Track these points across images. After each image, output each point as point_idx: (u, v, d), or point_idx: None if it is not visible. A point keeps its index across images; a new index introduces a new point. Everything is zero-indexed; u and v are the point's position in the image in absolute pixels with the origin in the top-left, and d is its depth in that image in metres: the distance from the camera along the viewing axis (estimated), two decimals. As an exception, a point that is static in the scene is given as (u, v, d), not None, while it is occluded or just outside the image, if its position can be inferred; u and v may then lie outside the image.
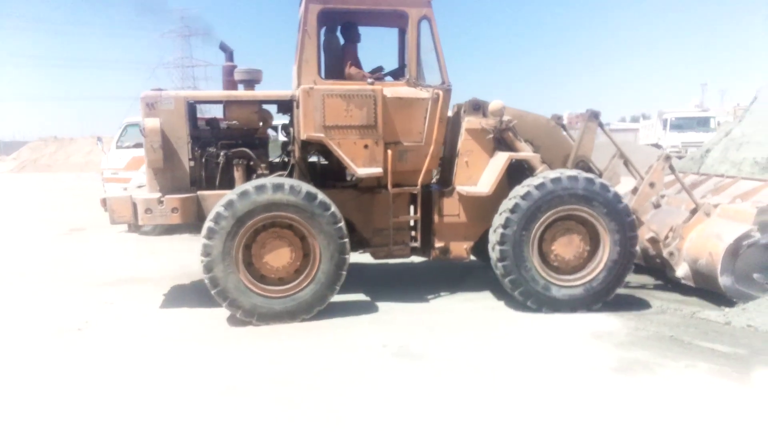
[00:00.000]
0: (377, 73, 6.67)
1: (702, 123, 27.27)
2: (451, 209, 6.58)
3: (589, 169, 6.75)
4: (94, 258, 9.61)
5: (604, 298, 6.16)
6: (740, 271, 6.07)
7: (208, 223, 5.70)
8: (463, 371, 4.61)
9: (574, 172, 6.11)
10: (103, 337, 5.57)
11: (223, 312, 5.93)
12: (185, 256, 9.09)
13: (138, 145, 11.90)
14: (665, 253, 6.66)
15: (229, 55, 6.86)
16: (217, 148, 6.51)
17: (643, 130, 35.28)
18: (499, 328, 5.70)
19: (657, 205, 7.13)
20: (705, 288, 6.42)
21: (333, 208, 5.86)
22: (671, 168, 6.92)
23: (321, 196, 5.84)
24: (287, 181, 5.85)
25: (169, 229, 10.92)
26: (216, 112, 7.26)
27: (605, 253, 6.12)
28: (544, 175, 6.11)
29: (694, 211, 6.71)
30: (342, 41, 6.94)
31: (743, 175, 7.67)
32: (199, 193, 6.28)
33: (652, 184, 6.73)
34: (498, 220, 6.10)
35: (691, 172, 8.40)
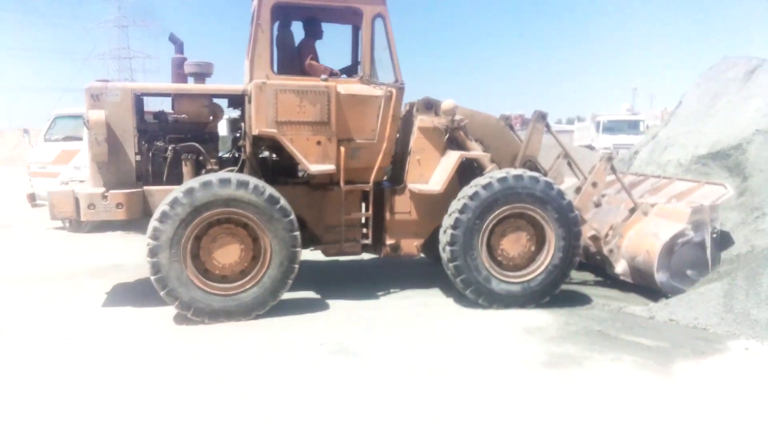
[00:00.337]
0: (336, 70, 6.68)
1: (632, 126, 28.32)
2: (403, 207, 6.63)
3: (536, 169, 6.95)
4: (20, 256, 9.17)
5: (539, 299, 6.33)
6: (675, 267, 6.38)
7: (163, 207, 5.53)
8: (398, 368, 4.65)
9: (529, 173, 6.28)
10: (22, 339, 5.34)
11: (151, 311, 5.80)
12: (115, 254, 8.87)
13: (68, 138, 11.48)
14: (605, 250, 6.93)
15: (179, 46, 6.69)
16: (165, 142, 6.33)
17: (578, 131, 36.40)
18: (435, 325, 5.77)
19: (598, 204, 7.40)
20: (642, 284, 6.72)
21: (292, 215, 5.81)
22: (612, 168, 7.19)
23: (283, 201, 5.78)
24: (252, 180, 5.76)
25: (101, 226, 10.67)
26: (163, 105, 7.07)
27: (548, 256, 6.31)
28: (491, 175, 6.25)
29: (632, 210, 7.00)
30: (295, 36, 6.89)
31: (667, 175, 8.08)
32: (145, 188, 6.10)
33: (594, 184, 6.99)
34: (454, 205, 6.18)
35: (630, 173, 8.76)
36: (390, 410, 3.96)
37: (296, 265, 5.85)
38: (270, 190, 5.76)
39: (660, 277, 6.35)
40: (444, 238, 6.20)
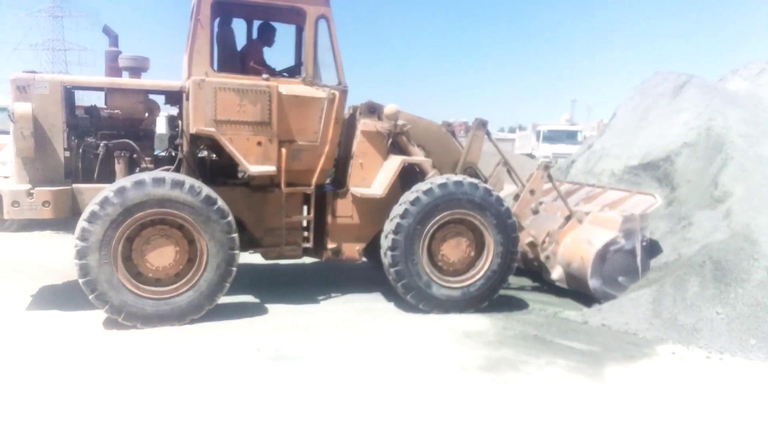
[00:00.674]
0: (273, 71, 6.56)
1: (570, 136, 29.23)
2: (345, 210, 6.57)
3: (476, 175, 7.02)
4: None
5: (478, 304, 6.40)
6: (607, 274, 6.58)
7: (92, 207, 5.29)
8: (337, 373, 4.62)
9: (469, 180, 6.37)
10: None
11: (73, 315, 5.58)
12: (43, 255, 8.50)
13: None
14: (542, 257, 7.08)
15: (114, 39, 6.42)
16: (96, 138, 6.07)
17: (519, 140, 37.27)
18: (374, 329, 5.76)
19: (535, 211, 7.55)
20: (577, 289, 6.90)
21: (230, 217, 5.66)
22: (549, 177, 7.36)
23: (220, 202, 5.63)
24: (188, 180, 5.58)
25: (29, 225, 10.15)
26: (95, 100, 6.76)
27: (487, 261, 6.38)
28: (432, 180, 6.29)
29: (568, 218, 7.18)
30: (236, 34, 6.75)
31: (602, 185, 8.35)
32: (74, 186, 5.83)
33: (532, 191, 7.13)
34: (395, 210, 6.19)
35: (566, 181, 8.99)
36: (328, 416, 3.91)
37: (234, 268, 5.70)
38: (207, 190, 5.60)
39: (593, 283, 6.53)
40: (385, 242, 6.18)
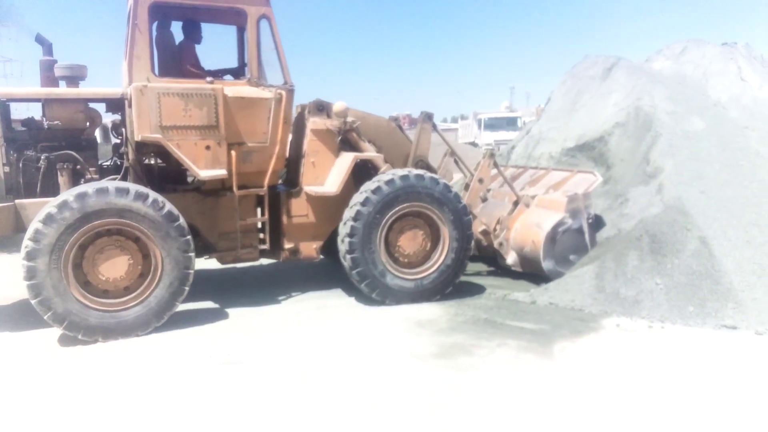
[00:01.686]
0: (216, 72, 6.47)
1: (511, 123, 29.88)
2: (300, 210, 6.57)
3: (427, 168, 7.14)
4: None
5: (431, 297, 6.47)
6: (559, 254, 6.81)
7: (49, 209, 5.12)
8: (290, 373, 4.57)
9: (430, 174, 6.46)
10: None
11: (24, 335, 5.40)
12: None
13: None
14: (495, 244, 7.27)
15: (48, 48, 6.20)
16: (37, 151, 5.86)
17: (462, 129, 37.82)
18: (329, 325, 5.74)
19: (484, 199, 7.73)
20: (531, 272, 7.10)
21: (188, 236, 5.59)
22: (495, 164, 7.55)
23: (182, 220, 5.54)
24: (152, 193, 5.47)
25: None
26: (30, 112, 6.51)
27: (442, 255, 6.50)
28: (394, 172, 6.36)
29: (516, 203, 7.37)
30: (174, 37, 6.60)
31: (544, 166, 8.63)
32: (17, 201, 5.62)
33: (480, 180, 7.31)
34: (356, 198, 6.24)
35: (511, 165, 9.25)
36: (283, 416, 3.89)
37: (186, 288, 5.61)
38: (169, 206, 5.51)
39: (547, 264, 6.75)
40: (344, 229, 6.20)
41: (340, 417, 3.87)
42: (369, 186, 6.24)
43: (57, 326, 5.19)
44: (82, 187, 5.32)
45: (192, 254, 5.61)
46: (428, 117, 7.34)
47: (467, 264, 6.71)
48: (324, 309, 6.29)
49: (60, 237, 5.12)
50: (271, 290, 6.99)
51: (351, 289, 6.58)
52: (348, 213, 6.22)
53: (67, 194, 5.21)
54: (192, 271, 5.63)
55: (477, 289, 6.91)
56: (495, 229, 7.29)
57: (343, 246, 6.22)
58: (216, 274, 7.82)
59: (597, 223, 7.19)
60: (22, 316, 6.08)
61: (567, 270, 6.77)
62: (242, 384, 4.39)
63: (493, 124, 29.89)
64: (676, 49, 10.84)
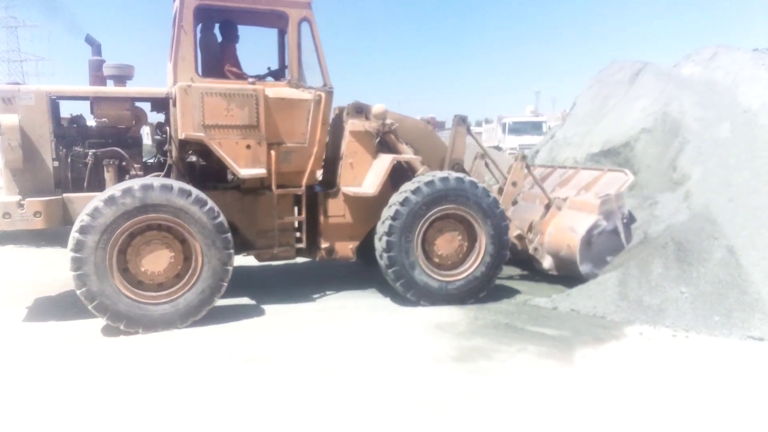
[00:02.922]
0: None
1: (536, 127, 29.56)
2: (337, 210, 6.65)
3: (462, 171, 7.18)
4: None
5: (478, 293, 6.55)
6: (596, 257, 6.77)
7: (113, 191, 5.36)
8: (311, 372, 4.61)
9: (467, 177, 6.55)
10: None
11: (47, 324, 5.53)
12: (9, 270, 8.36)
13: None
14: (530, 249, 7.25)
15: (97, 48, 6.40)
16: (84, 147, 6.04)
17: (486, 133, 37.59)
18: (348, 326, 5.74)
19: (514, 202, 7.72)
20: (569, 275, 7.04)
21: (232, 250, 5.75)
22: (527, 167, 7.55)
23: (229, 234, 5.73)
24: (210, 202, 5.66)
25: None
26: (77, 109, 6.71)
27: (474, 264, 6.53)
28: (433, 174, 6.42)
29: (547, 206, 7.34)
30: (219, 39, 6.76)
31: (574, 165, 8.53)
32: (65, 195, 5.80)
33: (514, 184, 7.32)
34: (387, 212, 6.29)
35: (539, 165, 9.18)
36: (301, 416, 3.90)
37: (216, 298, 5.74)
38: (222, 218, 5.70)
39: (584, 268, 6.71)
40: (382, 228, 6.29)
41: (358, 417, 3.87)
42: (408, 187, 6.31)
43: (87, 303, 5.32)
44: (148, 180, 5.55)
45: (230, 268, 5.74)
46: (462, 120, 7.38)
47: (495, 278, 6.71)
48: (344, 310, 6.31)
49: (115, 220, 5.29)
50: (291, 290, 7.05)
51: (365, 290, 6.68)
52: (387, 212, 6.30)
53: (135, 182, 5.44)
54: (225, 284, 5.75)
55: (497, 293, 6.87)
56: (528, 233, 7.29)
57: (380, 244, 6.29)
58: (237, 272, 7.93)
59: (631, 221, 7.12)
60: (64, 307, 6.27)
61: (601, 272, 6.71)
62: (261, 382, 4.42)
63: (517, 128, 29.62)
64: (705, 55, 10.66)
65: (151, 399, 4.15)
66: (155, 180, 5.60)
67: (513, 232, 7.22)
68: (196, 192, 5.62)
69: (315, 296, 6.81)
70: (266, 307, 6.30)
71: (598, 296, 6.21)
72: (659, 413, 3.91)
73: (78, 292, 5.29)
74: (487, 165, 7.78)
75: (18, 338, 5.46)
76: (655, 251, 6.25)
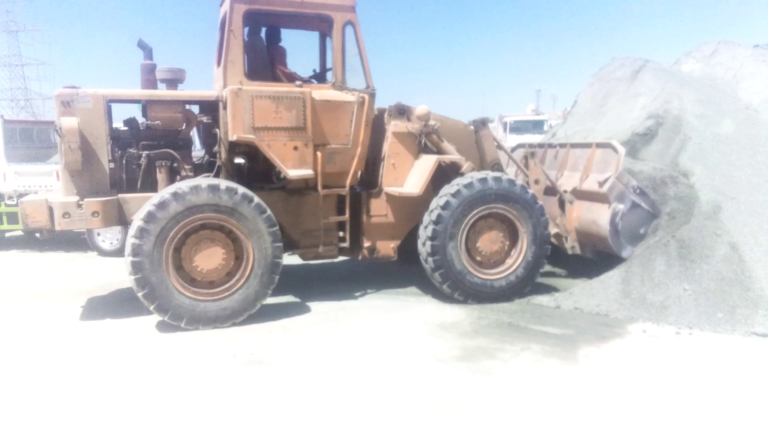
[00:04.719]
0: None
1: (537, 126, 29.20)
2: (379, 210, 6.78)
3: (501, 170, 7.28)
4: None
5: (522, 289, 6.68)
6: (629, 236, 6.80)
7: (137, 222, 5.50)
8: (314, 373, 4.63)
9: (506, 176, 6.68)
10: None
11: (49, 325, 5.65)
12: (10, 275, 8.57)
13: None
14: (569, 249, 7.34)
15: (148, 53, 6.58)
16: (138, 149, 6.24)
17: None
18: (351, 327, 5.80)
19: None
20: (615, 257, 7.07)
21: (269, 210, 5.88)
22: (536, 163, 7.60)
23: (281, 243, 5.95)
24: (269, 210, 5.87)
25: (6, 245, 10.08)
26: (130, 112, 6.91)
27: (522, 252, 6.66)
28: (471, 175, 6.55)
29: (561, 200, 7.44)
30: (266, 42, 6.91)
31: (562, 142, 8.50)
32: (120, 196, 6.00)
33: (537, 181, 7.41)
34: (429, 217, 6.41)
35: (528, 145, 9.11)
36: (304, 417, 3.92)
37: (258, 304, 5.93)
38: (276, 228, 5.91)
39: (625, 253, 6.76)
40: (425, 233, 6.42)
41: (361, 419, 3.89)
42: (448, 189, 6.45)
43: (147, 305, 5.51)
44: (196, 181, 5.73)
45: (280, 261, 5.93)
46: (483, 123, 7.48)
47: (537, 274, 6.80)
48: (347, 310, 6.37)
49: (168, 222, 5.49)
50: (294, 291, 7.14)
51: (373, 291, 6.78)
52: (428, 217, 6.44)
53: (183, 184, 5.64)
54: (277, 276, 5.92)
55: None
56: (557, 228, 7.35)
57: (424, 249, 6.43)
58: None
59: (644, 186, 7.04)
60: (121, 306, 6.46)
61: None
62: (265, 384, 4.45)
63: (518, 127, 29.32)
64: (706, 51, 10.56)
65: (152, 400, 4.20)
66: (222, 182, 5.78)
67: (552, 230, 7.27)
68: (242, 189, 5.78)
69: (318, 297, 6.88)
70: (270, 308, 6.34)
71: (601, 294, 6.27)
72: (664, 411, 3.95)
73: (132, 278, 5.47)
74: (509, 164, 7.90)
75: (28, 340, 5.61)
76: (657, 248, 6.29)
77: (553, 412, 3.95)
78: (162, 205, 5.48)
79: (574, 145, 8.10)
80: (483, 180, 6.45)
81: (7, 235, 10.90)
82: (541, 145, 8.93)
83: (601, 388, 4.32)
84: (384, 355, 5.02)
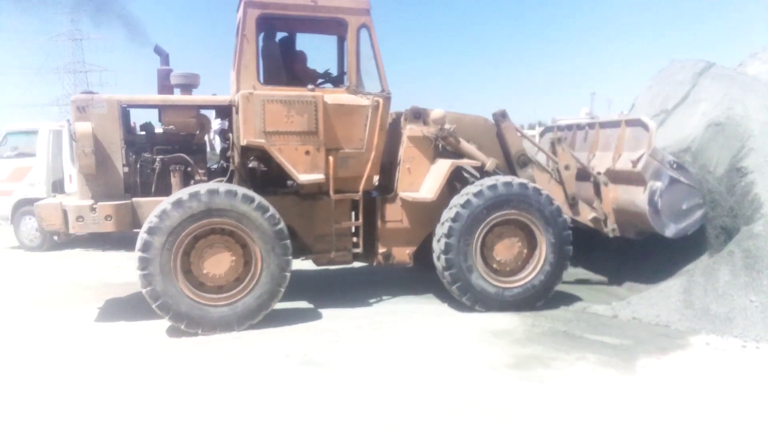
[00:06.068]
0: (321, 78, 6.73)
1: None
2: (394, 215, 6.66)
3: (529, 161, 7.10)
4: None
5: (545, 296, 6.48)
6: (671, 214, 6.57)
7: (180, 195, 5.58)
8: (367, 377, 4.60)
9: (515, 179, 6.46)
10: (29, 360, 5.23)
11: (115, 325, 5.73)
12: (86, 272, 8.81)
13: (21, 155, 11.12)
14: (610, 233, 7.14)
15: (165, 58, 6.67)
16: (152, 153, 6.30)
17: (540, 136, 36.77)
18: (403, 332, 5.74)
19: (560, 181, 7.35)
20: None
21: (290, 257, 5.88)
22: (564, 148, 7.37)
23: (288, 240, 5.87)
24: (272, 209, 5.82)
25: (59, 245, 10.47)
26: (148, 117, 7.02)
27: (541, 258, 6.43)
28: (482, 181, 6.38)
29: (595, 183, 7.21)
30: (283, 47, 6.92)
31: (591, 121, 8.28)
32: (134, 200, 6.05)
33: (567, 167, 7.16)
34: (447, 214, 6.29)
35: (557, 127, 9.01)
36: (358, 420, 3.90)
37: (273, 304, 5.88)
38: (282, 224, 5.86)
39: (669, 232, 6.56)
40: (441, 230, 6.29)
41: (413, 424, 3.84)
42: (471, 189, 6.32)
43: (151, 302, 5.52)
44: (214, 185, 5.75)
45: (288, 274, 5.86)
46: (503, 115, 7.18)
47: (553, 288, 6.56)
48: (398, 315, 6.31)
49: (182, 222, 5.51)
50: (347, 294, 7.11)
51: (425, 296, 6.68)
52: (447, 214, 6.31)
53: (201, 187, 5.67)
54: (283, 290, 5.87)
55: (554, 300, 6.71)
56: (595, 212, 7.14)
57: (438, 245, 6.30)
58: (295, 276, 8.00)
59: (681, 160, 6.90)
60: (133, 307, 6.53)
61: (689, 220, 6.60)
62: (317, 386, 4.46)
63: None
64: None
65: (209, 398, 4.25)
66: (221, 185, 5.77)
67: (589, 215, 7.17)
68: (259, 198, 5.76)
69: (370, 301, 6.84)
70: (323, 311, 6.39)
71: (662, 304, 6.02)
72: (727, 429, 3.74)
73: (143, 291, 5.50)
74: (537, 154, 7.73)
75: (88, 337, 5.73)
76: (720, 258, 6.02)
77: (610, 424, 3.82)
78: (178, 204, 5.53)
79: (603, 124, 7.87)
80: (492, 187, 6.26)
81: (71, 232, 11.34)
82: (569, 127, 8.69)
83: (660, 401, 4.16)
84: (435, 360, 4.97)
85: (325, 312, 6.36)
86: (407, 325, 5.96)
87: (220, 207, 5.62)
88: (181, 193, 5.64)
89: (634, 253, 7.62)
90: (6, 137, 11.44)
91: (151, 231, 5.48)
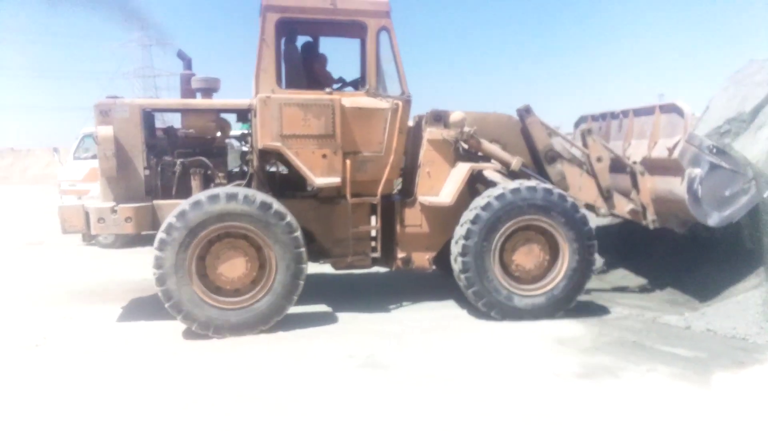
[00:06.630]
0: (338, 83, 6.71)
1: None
2: (414, 219, 6.57)
3: (557, 156, 6.87)
4: (52, 272, 9.29)
5: (566, 306, 6.25)
6: (713, 201, 6.16)
7: (159, 234, 5.61)
8: (432, 381, 4.57)
9: (525, 183, 6.21)
10: (60, 353, 5.37)
11: (181, 325, 5.79)
12: (144, 269, 8.86)
13: (96, 156, 11.59)
14: (650, 225, 6.84)
15: (188, 63, 6.77)
16: (173, 156, 6.39)
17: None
18: (464, 337, 5.69)
19: (592, 174, 7.08)
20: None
21: (305, 264, 5.85)
22: (596, 139, 7.09)
23: (304, 249, 5.84)
24: (290, 216, 5.82)
25: (129, 242, 10.81)
26: (173, 121, 7.14)
27: (564, 262, 6.22)
28: (494, 189, 6.20)
29: (631, 173, 6.91)
30: (304, 51, 6.93)
31: (624, 110, 7.88)
32: (154, 202, 6.15)
33: (599, 159, 6.90)
34: (467, 215, 6.16)
35: (590, 116, 8.70)
36: (423, 424, 3.88)
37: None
38: (299, 233, 5.83)
39: (712, 220, 6.19)
40: (459, 231, 6.17)
41: (476, 429, 3.78)
42: (492, 192, 6.17)
43: (164, 302, 5.59)
44: (233, 189, 5.81)
45: (302, 282, 5.85)
46: (527, 110, 6.94)
47: (594, 262, 6.33)
48: (460, 320, 6.30)
49: (199, 224, 5.58)
50: (406, 297, 7.09)
51: (465, 302, 6.49)
52: (466, 215, 6.18)
53: (220, 190, 5.74)
54: (296, 297, 5.87)
55: (621, 309, 6.52)
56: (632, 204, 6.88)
57: (455, 248, 6.18)
58: (354, 279, 8.06)
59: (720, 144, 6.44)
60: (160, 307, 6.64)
61: (733, 207, 6.16)
62: (380, 387, 4.48)
63: None
64: None
65: (270, 398, 4.29)
66: (241, 190, 5.80)
67: (626, 207, 6.92)
68: (277, 205, 5.77)
69: (430, 304, 6.83)
70: (382, 315, 6.43)
71: (738, 316, 5.76)
72: None
73: (158, 290, 5.59)
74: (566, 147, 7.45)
75: (124, 336, 5.87)
76: None
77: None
78: (196, 206, 5.61)
79: (637, 112, 7.54)
80: (516, 190, 6.08)
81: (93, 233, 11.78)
82: (603, 116, 8.37)
83: (737, 418, 3.97)
84: (500, 366, 4.91)
85: (385, 316, 6.43)
86: (469, 329, 5.94)
87: (238, 211, 5.66)
88: (201, 195, 5.70)
89: (702, 257, 7.19)
90: (83, 139, 11.97)
91: (168, 230, 5.56)
